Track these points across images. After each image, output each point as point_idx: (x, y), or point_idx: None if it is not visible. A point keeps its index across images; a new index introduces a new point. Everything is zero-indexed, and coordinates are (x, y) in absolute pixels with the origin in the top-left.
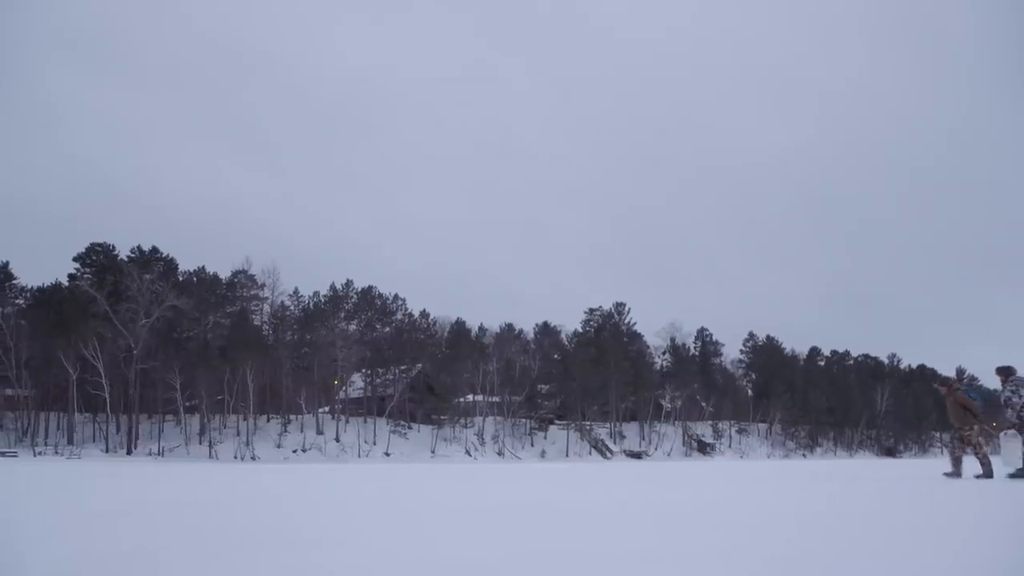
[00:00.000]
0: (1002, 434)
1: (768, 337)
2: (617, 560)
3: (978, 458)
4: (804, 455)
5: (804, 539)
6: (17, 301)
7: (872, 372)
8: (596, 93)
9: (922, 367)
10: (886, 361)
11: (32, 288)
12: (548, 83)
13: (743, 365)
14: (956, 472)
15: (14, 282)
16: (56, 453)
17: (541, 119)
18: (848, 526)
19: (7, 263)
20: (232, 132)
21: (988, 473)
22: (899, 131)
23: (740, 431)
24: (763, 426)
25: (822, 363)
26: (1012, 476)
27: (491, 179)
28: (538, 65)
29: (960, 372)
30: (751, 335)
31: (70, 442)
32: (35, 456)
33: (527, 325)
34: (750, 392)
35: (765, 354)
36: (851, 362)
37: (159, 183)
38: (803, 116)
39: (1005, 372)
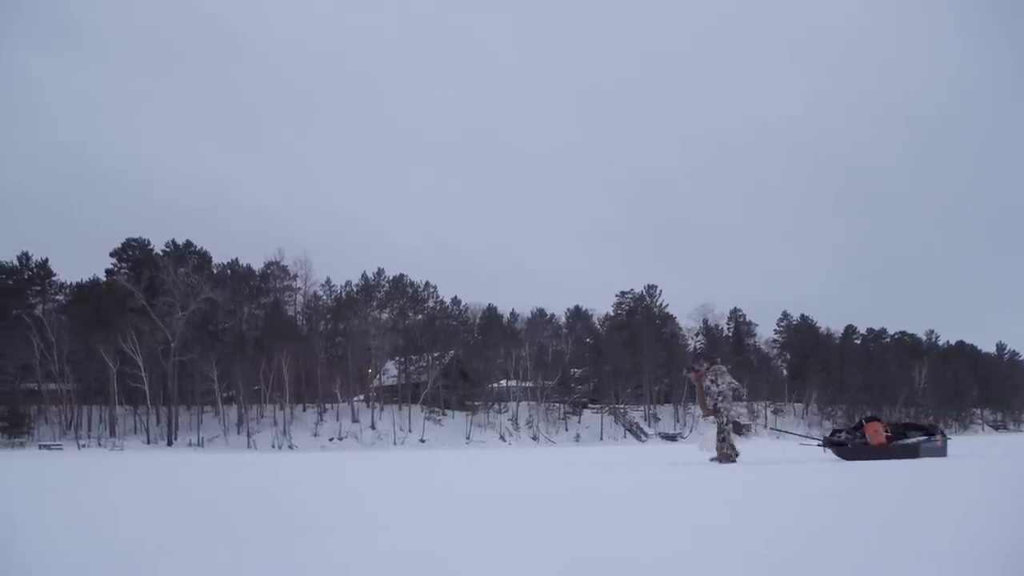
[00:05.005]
0: (702, 420)
1: (802, 316)
2: (628, 541)
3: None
4: None
5: (809, 519)
6: (57, 297)
7: (910, 349)
8: (587, 57)
9: (961, 343)
10: (924, 338)
11: (71, 284)
12: (538, 50)
13: (778, 345)
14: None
15: (53, 279)
16: (99, 445)
17: (531, 86)
18: (862, 505)
19: (46, 260)
20: (221, 116)
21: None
22: (927, 93)
23: (776, 411)
24: (799, 406)
25: (858, 341)
26: (713, 459)
27: (485, 152)
28: (526, 31)
29: (712, 360)
30: (785, 315)
31: (112, 434)
32: (79, 449)
33: (557, 309)
34: (785, 372)
35: (800, 334)
36: (888, 340)
37: (160, 174)
38: (814, 75)
39: (710, 360)
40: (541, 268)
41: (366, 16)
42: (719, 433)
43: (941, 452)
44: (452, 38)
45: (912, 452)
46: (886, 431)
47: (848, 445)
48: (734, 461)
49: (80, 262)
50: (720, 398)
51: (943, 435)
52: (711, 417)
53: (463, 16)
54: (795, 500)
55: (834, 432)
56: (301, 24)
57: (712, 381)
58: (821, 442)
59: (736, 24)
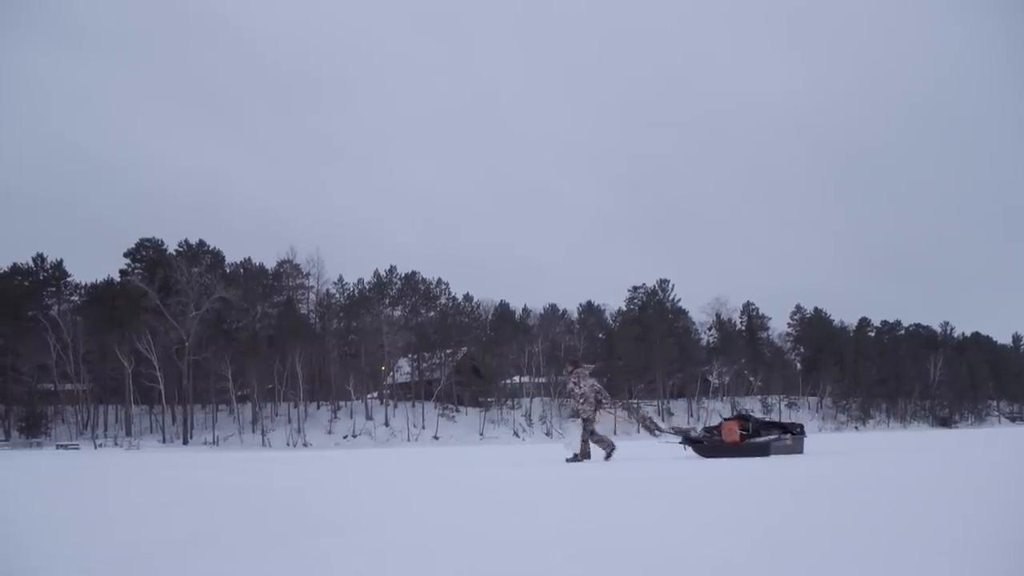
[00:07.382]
0: (570, 421)
1: (816, 309)
2: (625, 535)
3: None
4: (856, 427)
5: (803, 513)
6: (72, 298)
7: (925, 341)
8: (586, 48)
9: (976, 335)
10: (939, 330)
11: (86, 285)
12: (527, 36)
13: (791, 338)
14: (583, 454)
15: (68, 279)
16: (116, 444)
17: (527, 75)
18: (859, 498)
19: (61, 261)
20: (221, 114)
21: (583, 455)
22: (935, 74)
23: (790, 405)
24: (813, 399)
25: (872, 334)
26: (569, 460)
27: (483, 142)
28: (514, 15)
29: (576, 363)
30: (798, 308)
31: (128, 433)
32: (96, 448)
33: (569, 304)
34: (799, 366)
35: (813, 327)
36: (902, 332)
37: (164, 174)
38: (811, 54)
39: (573, 364)
40: (549, 263)
41: (362, 10)
42: (584, 432)
43: (794, 450)
44: (443, 26)
45: (762, 450)
46: (742, 430)
47: (704, 443)
48: (589, 458)
49: (94, 263)
50: (582, 400)
51: (796, 434)
52: (576, 419)
53: (454, 3)
54: (788, 491)
55: (703, 430)
56: (298, 20)
57: (575, 384)
58: (681, 440)
59: (729, 2)
